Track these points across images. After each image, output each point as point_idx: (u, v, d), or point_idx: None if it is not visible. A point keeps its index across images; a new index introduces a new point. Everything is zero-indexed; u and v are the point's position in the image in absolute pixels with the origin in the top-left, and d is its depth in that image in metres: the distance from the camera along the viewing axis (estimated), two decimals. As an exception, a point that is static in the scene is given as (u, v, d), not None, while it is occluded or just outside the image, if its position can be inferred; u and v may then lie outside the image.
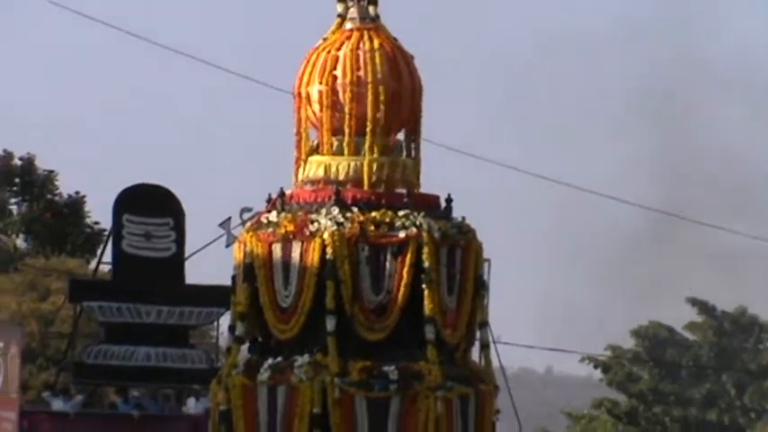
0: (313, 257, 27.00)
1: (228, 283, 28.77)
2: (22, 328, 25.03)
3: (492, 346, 28.50)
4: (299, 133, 28.39)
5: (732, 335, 66.98)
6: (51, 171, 53.41)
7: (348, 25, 28.33)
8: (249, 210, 29.45)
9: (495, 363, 28.64)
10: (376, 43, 28.09)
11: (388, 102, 27.85)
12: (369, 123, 27.73)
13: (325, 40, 28.38)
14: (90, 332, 36.67)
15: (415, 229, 27.16)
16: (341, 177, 27.78)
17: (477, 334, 28.16)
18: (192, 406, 33.53)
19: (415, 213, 27.41)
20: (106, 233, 39.51)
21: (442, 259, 27.26)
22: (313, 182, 28.00)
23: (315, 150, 28.20)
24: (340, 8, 28.47)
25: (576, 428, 67.81)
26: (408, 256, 27.05)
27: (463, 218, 28.11)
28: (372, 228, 27.17)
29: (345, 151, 27.90)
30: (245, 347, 27.84)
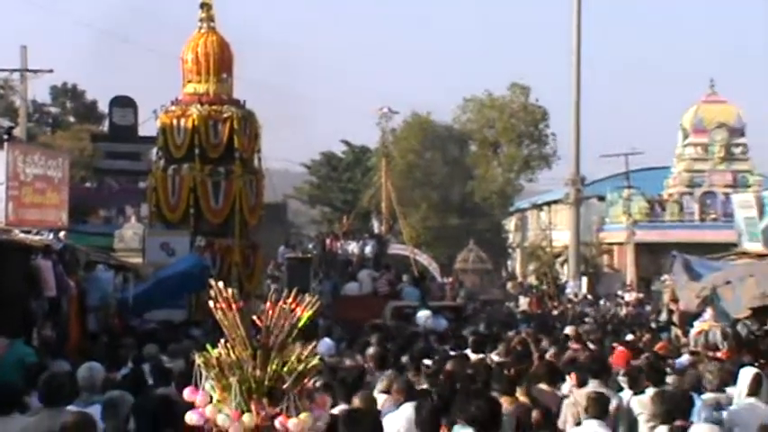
0: (189, 124, 25.08)
1: (156, 134, 26.71)
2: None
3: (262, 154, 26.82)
4: (183, 74, 26.18)
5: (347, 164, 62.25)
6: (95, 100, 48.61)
7: (202, 30, 26.09)
8: (164, 105, 27.08)
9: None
10: (214, 38, 25.94)
11: (218, 61, 25.84)
12: (211, 69, 25.71)
13: (193, 36, 26.17)
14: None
15: (231, 113, 25.35)
16: (201, 92, 25.67)
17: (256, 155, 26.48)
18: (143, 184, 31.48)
19: (231, 107, 25.57)
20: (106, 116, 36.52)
21: (242, 124, 25.47)
22: (189, 94, 25.85)
23: (190, 81, 26.05)
24: (198, 23, 26.23)
25: (303, 188, 63.98)
26: (228, 123, 25.19)
27: (251, 109, 26.34)
28: (214, 112, 25.28)
29: (202, 81, 25.77)
30: (162, 160, 25.84)
